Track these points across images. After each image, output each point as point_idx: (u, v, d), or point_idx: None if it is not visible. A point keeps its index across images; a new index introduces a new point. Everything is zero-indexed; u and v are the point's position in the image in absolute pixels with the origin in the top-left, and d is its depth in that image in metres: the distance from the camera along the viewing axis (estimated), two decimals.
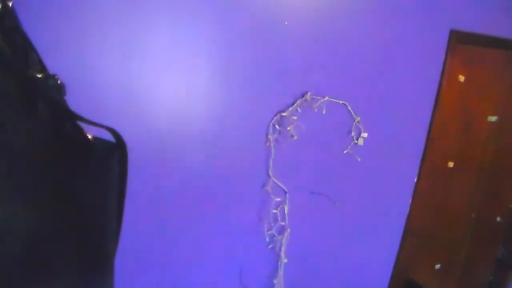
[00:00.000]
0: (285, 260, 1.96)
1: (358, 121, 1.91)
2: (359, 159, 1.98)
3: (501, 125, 2.36)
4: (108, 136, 0.60)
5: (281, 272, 1.99)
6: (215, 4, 1.54)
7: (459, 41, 2.04)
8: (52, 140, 0.49)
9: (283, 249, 1.94)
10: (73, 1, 1.34)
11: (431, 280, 2.53)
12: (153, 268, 1.74)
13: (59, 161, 0.49)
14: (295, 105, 1.76)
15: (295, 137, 1.81)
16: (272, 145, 1.77)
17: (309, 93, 1.76)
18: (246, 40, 1.62)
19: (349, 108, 1.88)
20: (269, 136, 1.76)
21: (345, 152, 1.95)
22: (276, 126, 1.76)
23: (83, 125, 0.55)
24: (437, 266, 2.56)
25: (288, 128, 1.79)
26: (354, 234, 2.14)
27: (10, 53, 0.42)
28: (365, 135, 1.94)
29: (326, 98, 1.81)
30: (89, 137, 0.58)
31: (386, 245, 2.27)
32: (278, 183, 1.83)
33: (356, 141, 1.94)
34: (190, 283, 1.84)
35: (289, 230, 1.92)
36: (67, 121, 0.53)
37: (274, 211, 1.87)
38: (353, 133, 1.93)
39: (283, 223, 1.90)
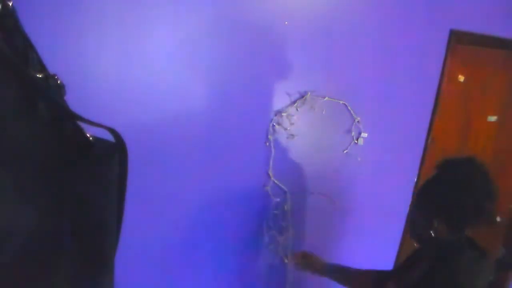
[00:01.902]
0: (286, 260, 1.96)
1: (358, 121, 1.91)
2: (359, 159, 1.98)
3: (501, 125, 2.36)
4: (108, 136, 0.60)
5: (281, 272, 1.99)
6: (215, 4, 1.54)
7: (459, 41, 2.04)
8: (52, 140, 0.49)
9: (283, 249, 1.94)
10: (73, 1, 1.34)
11: None
12: (153, 268, 1.74)
13: (59, 161, 0.49)
14: (295, 105, 1.76)
15: (295, 137, 1.81)
16: (272, 145, 1.77)
17: (309, 93, 1.76)
18: (246, 40, 1.62)
19: (349, 108, 1.88)
20: (269, 136, 1.76)
21: (345, 152, 1.95)
22: (276, 126, 1.76)
23: (83, 125, 0.55)
24: None
25: (288, 128, 1.79)
26: (354, 234, 2.14)
27: (10, 53, 0.42)
28: (365, 135, 1.94)
29: (326, 98, 1.81)
30: (89, 137, 0.58)
31: (386, 245, 2.27)
32: (278, 183, 1.83)
33: (356, 141, 1.94)
34: (190, 284, 1.84)
35: (289, 230, 1.92)
36: (67, 121, 0.53)
37: (274, 211, 1.87)
38: (353, 133, 1.93)
39: (283, 224, 1.90)
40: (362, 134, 1.94)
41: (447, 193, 1.05)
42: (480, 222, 1.05)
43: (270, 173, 1.81)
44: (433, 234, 1.07)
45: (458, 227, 1.07)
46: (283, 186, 1.85)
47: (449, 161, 1.09)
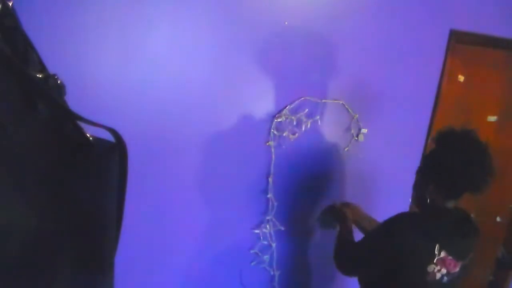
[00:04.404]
0: (287, 262, 1.96)
1: (357, 119, 1.91)
2: (361, 156, 1.97)
3: (501, 125, 2.36)
4: (108, 136, 0.60)
5: (280, 273, 1.99)
6: (215, 4, 1.54)
7: (459, 41, 2.04)
8: (52, 140, 0.49)
9: (283, 252, 1.94)
10: (73, 1, 1.34)
11: None
12: (153, 270, 1.74)
13: (59, 161, 0.49)
14: (294, 105, 1.76)
15: (296, 138, 1.81)
16: (272, 145, 1.77)
17: (308, 94, 1.76)
18: (246, 40, 1.62)
19: (349, 109, 1.87)
20: (271, 136, 1.76)
21: (346, 149, 1.95)
22: (276, 127, 1.76)
23: (83, 125, 0.55)
24: None
25: (288, 129, 1.78)
26: (356, 232, 2.14)
27: (10, 53, 0.42)
28: (364, 130, 1.94)
29: (325, 99, 1.81)
30: (89, 137, 0.58)
31: None
32: (278, 184, 1.83)
33: (356, 138, 1.94)
34: (189, 284, 1.84)
35: (289, 232, 1.92)
36: (67, 121, 0.53)
37: (270, 217, 1.87)
38: (352, 131, 1.93)
39: (282, 228, 1.90)
40: (362, 130, 1.94)
41: (443, 164, 1.20)
42: (471, 193, 1.24)
43: (271, 174, 1.80)
44: (428, 199, 1.23)
45: (450, 196, 1.24)
46: (284, 188, 1.84)
47: (446, 135, 1.23)
